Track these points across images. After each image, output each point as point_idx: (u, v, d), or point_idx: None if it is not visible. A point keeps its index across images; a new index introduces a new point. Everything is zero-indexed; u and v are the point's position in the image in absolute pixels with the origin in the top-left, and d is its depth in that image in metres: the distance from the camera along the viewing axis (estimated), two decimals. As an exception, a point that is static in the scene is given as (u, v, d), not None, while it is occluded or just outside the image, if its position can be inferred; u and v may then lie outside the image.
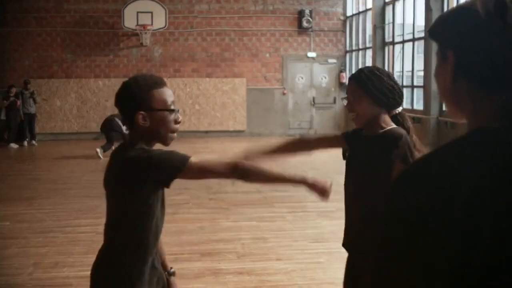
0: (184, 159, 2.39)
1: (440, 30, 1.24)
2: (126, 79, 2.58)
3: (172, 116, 2.47)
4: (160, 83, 2.48)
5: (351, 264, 2.93)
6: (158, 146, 2.53)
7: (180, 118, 2.51)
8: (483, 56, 1.15)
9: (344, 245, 3.00)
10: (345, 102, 2.94)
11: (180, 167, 2.36)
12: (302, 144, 3.30)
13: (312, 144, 3.23)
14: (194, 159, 2.41)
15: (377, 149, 2.80)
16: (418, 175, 1.13)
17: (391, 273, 1.10)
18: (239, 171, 2.46)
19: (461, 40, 1.17)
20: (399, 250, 1.09)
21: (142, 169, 2.35)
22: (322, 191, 2.58)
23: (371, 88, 2.81)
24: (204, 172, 2.45)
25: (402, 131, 2.82)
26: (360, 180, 2.85)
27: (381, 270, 1.13)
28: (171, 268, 2.78)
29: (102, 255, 2.50)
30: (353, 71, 17.75)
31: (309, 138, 3.51)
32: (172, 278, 2.76)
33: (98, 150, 13.57)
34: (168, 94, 2.48)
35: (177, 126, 2.50)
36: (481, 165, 1.07)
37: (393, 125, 2.86)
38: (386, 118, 2.87)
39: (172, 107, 2.47)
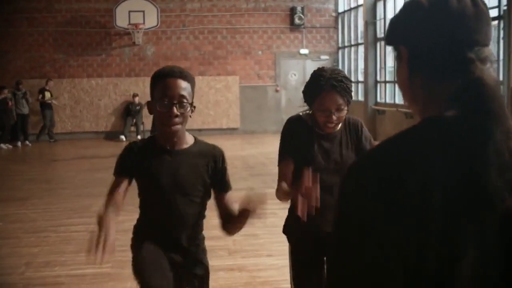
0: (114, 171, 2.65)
1: (392, 30, 1.28)
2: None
3: (158, 107, 2.49)
4: (165, 74, 2.51)
5: (311, 252, 2.95)
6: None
7: (173, 112, 2.48)
8: (431, 46, 1.18)
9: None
10: (325, 114, 2.86)
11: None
12: None
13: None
14: (114, 180, 2.62)
15: (348, 137, 2.96)
16: (371, 165, 1.14)
17: (346, 268, 1.10)
18: None
19: (410, 33, 1.21)
20: (353, 245, 1.10)
21: None
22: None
23: (351, 97, 2.88)
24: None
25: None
26: (338, 170, 2.90)
27: (336, 265, 1.13)
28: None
29: None
30: (346, 67, 17.43)
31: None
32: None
33: None
34: (167, 85, 2.48)
35: (171, 119, 2.49)
36: (432, 155, 1.08)
37: None
38: None
39: (164, 99, 2.48)
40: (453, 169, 1.07)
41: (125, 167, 2.60)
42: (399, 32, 1.25)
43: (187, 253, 2.69)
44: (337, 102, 2.81)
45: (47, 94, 17.07)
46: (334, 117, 2.83)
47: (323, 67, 2.97)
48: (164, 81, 2.49)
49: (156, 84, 2.51)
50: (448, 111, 1.14)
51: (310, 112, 2.99)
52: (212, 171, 2.67)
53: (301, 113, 3.09)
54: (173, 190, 2.59)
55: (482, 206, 1.08)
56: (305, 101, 2.97)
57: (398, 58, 1.26)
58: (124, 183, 2.58)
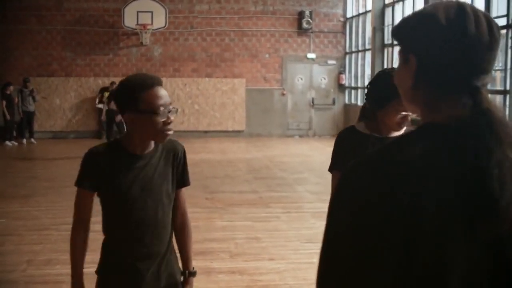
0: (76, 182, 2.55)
1: (403, 32, 1.28)
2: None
3: (159, 118, 2.40)
4: (150, 84, 2.42)
5: None
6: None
7: (171, 119, 2.43)
8: (443, 61, 1.19)
9: None
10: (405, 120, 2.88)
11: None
12: None
13: None
14: (79, 193, 2.56)
15: None
16: (368, 166, 1.17)
17: (337, 262, 1.13)
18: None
19: (423, 46, 1.22)
20: (346, 240, 1.12)
21: None
22: None
23: None
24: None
25: None
26: None
27: (327, 261, 1.15)
28: (193, 268, 2.77)
29: None
30: (353, 73, 17.51)
31: None
32: (190, 278, 2.75)
33: None
34: (157, 95, 2.40)
35: (168, 126, 2.43)
36: (428, 159, 1.11)
37: None
38: None
39: (161, 109, 2.40)
40: (450, 183, 1.08)
41: (92, 179, 2.49)
42: (411, 40, 1.25)
43: (163, 261, 2.60)
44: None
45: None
46: (409, 118, 2.86)
47: (387, 69, 2.93)
48: (152, 91, 2.40)
49: (140, 94, 2.40)
50: (449, 120, 1.16)
51: (372, 117, 2.94)
52: (175, 166, 2.61)
53: (355, 124, 3.05)
54: (145, 196, 2.51)
55: (483, 222, 1.09)
56: (373, 103, 2.90)
57: (404, 62, 1.26)
58: (91, 199, 2.54)
